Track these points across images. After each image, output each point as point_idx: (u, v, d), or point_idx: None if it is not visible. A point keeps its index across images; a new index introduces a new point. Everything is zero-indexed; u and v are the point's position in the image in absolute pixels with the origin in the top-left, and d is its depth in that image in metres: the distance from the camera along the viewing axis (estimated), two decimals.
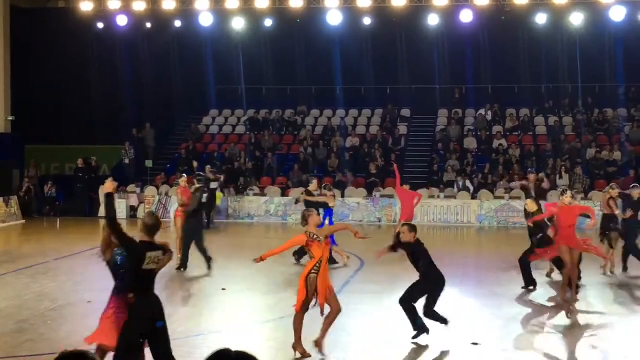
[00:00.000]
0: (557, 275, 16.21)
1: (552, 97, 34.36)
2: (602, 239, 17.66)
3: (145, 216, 9.03)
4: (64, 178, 32.77)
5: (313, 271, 10.58)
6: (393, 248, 11.98)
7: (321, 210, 18.57)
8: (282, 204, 28.76)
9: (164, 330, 8.51)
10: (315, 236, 10.71)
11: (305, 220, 10.93)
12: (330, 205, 18.91)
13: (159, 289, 15.67)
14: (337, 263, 18.56)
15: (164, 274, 17.47)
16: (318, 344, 10.87)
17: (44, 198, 30.96)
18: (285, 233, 26.26)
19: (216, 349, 4.12)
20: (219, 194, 27.72)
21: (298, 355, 10.75)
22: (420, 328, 11.59)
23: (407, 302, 11.60)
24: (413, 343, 11.57)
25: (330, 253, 14.50)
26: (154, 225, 8.59)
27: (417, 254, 11.64)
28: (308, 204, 18.11)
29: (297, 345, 10.79)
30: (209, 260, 17.80)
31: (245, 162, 31.41)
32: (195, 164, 27.63)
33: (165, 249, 8.63)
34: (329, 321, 10.85)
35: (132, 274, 8.47)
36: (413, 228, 11.77)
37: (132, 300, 8.45)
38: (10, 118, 31.41)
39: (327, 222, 18.79)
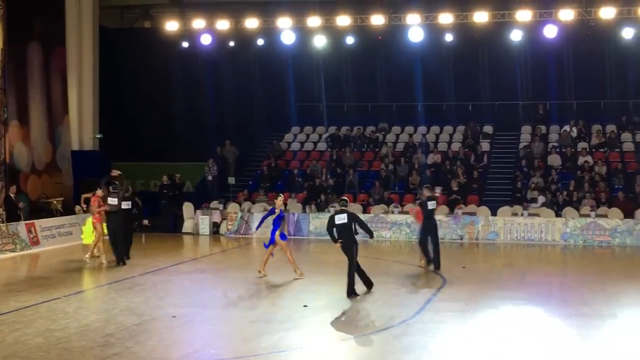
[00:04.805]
0: None
1: (639, 112, 33.58)
2: None
3: None
4: (149, 194, 33.31)
5: None
6: None
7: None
8: (363, 220, 28.59)
9: None
10: None
11: None
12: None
13: (242, 307, 15.78)
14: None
15: (246, 291, 17.65)
16: None
17: None
18: (366, 250, 26.17)
19: None
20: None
21: None
22: None
23: None
24: None
25: None
26: None
27: None
28: None
29: None
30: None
31: (326, 178, 31.53)
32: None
33: None
34: None
35: None
36: None
37: None
38: (98, 136, 32.18)
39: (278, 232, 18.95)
